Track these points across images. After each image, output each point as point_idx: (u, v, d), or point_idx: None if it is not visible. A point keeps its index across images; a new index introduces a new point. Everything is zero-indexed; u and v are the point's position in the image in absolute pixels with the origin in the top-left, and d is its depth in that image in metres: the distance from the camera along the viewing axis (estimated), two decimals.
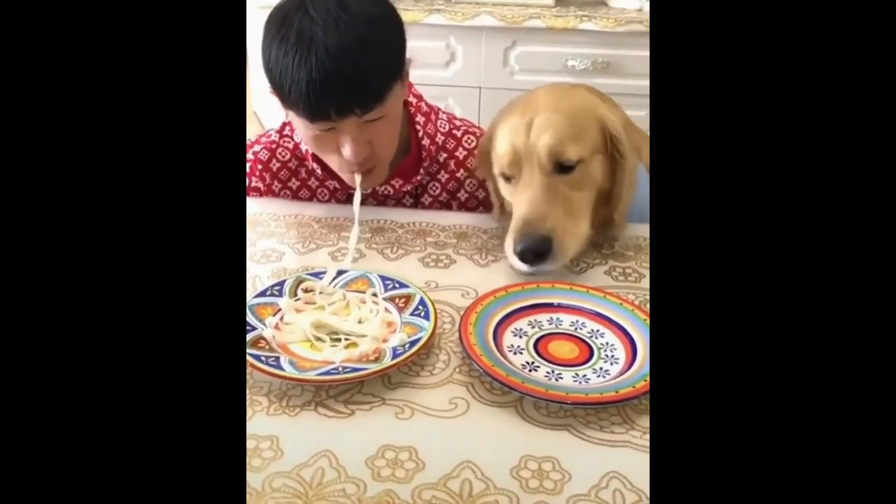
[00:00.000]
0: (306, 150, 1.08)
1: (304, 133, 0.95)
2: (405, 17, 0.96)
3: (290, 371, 0.64)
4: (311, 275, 0.82)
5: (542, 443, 0.59)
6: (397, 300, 0.77)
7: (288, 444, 0.58)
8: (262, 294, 0.77)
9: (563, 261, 0.83)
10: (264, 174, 1.10)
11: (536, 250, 0.81)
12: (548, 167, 0.84)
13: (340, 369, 0.65)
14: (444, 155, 1.10)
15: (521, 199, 0.86)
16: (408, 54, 0.95)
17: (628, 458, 0.58)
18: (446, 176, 1.10)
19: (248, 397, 0.64)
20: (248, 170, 1.11)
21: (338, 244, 0.94)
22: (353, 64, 0.84)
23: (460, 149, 1.10)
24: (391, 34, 0.91)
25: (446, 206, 1.11)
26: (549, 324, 0.75)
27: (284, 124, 1.12)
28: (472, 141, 1.11)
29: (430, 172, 1.10)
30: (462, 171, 1.10)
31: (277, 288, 0.79)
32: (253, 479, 0.55)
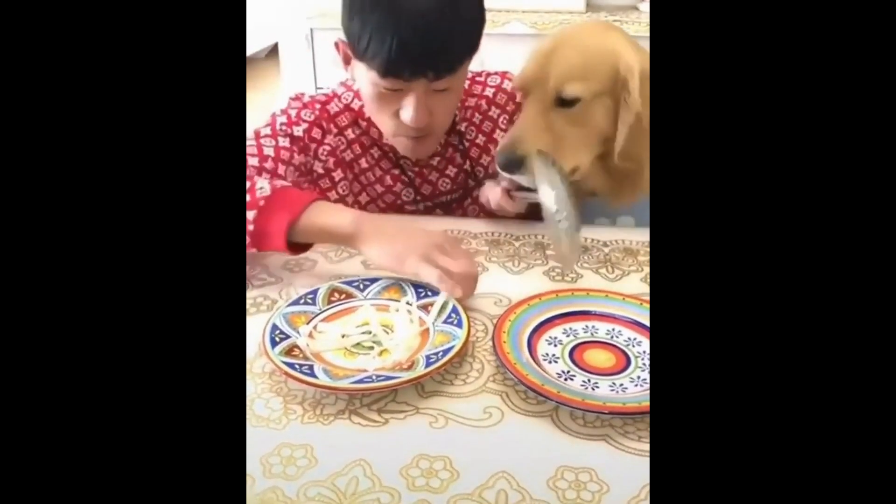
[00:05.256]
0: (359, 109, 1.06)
1: (367, 90, 0.95)
2: None
3: (323, 379, 0.64)
4: (345, 283, 0.82)
5: (578, 453, 0.58)
6: (430, 308, 0.77)
7: (322, 453, 0.58)
8: (296, 302, 0.78)
9: (537, 174, 0.85)
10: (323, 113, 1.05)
11: (509, 164, 0.88)
12: (548, 98, 0.87)
13: (374, 377, 0.65)
14: (473, 99, 1.11)
15: (518, 121, 0.91)
16: None
17: None
18: (479, 116, 1.10)
19: (282, 406, 0.64)
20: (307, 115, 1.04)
21: None
22: (441, 26, 0.86)
23: (487, 88, 1.12)
24: (477, 8, 0.93)
25: (484, 150, 1.10)
26: (585, 332, 0.74)
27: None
28: (497, 79, 1.12)
29: (465, 117, 1.10)
30: (493, 108, 1.11)
31: (311, 296, 0.79)
32: (287, 488, 0.55)
